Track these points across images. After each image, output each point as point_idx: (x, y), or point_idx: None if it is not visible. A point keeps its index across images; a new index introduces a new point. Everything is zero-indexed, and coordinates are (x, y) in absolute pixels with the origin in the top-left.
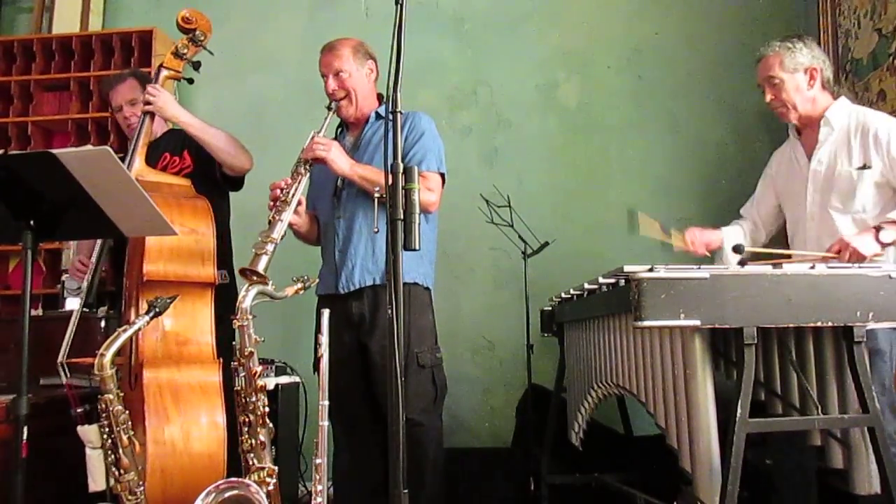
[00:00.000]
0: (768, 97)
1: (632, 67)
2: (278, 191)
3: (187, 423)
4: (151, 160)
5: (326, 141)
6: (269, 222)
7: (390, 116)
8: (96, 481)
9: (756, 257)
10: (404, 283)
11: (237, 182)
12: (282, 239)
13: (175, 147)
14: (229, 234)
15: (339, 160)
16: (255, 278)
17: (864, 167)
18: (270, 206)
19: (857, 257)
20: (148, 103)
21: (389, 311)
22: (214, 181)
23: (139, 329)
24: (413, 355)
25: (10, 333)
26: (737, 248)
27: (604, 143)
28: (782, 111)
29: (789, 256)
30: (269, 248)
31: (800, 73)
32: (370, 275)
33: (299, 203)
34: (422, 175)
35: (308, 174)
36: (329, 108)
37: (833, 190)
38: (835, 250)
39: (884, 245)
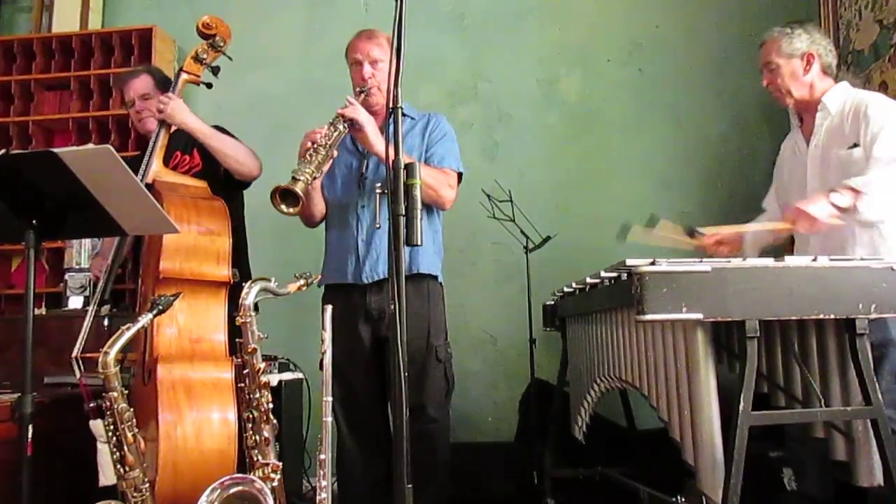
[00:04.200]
0: (765, 81)
1: (633, 61)
2: (317, 136)
3: (199, 419)
4: (164, 158)
5: (366, 112)
6: (301, 163)
7: (404, 113)
8: (107, 476)
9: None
10: (428, 275)
11: (242, 182)
12: (313, 179)
13: (186, 145)
14: (242, 232)
15: (375, 135)
16: (283, 206)
17: (854, 146)
18: (302, 154)
19: (811, 222)
20: (160, 111)
21: (393, 305)
22: (220, 180)
23: (142, 327)
24: (433, 348)
25: (14, 332)
26: (691, 232)
27: (605, 137)
28: (778, 95)
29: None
30: (307, 174)
31: (796, 58)
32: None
33: (329, 158)
34: (444, 171)
35: (346, 133)
36: (362, 92)
37: (830, 173)
38: (790, 220)
39: (838, 208)
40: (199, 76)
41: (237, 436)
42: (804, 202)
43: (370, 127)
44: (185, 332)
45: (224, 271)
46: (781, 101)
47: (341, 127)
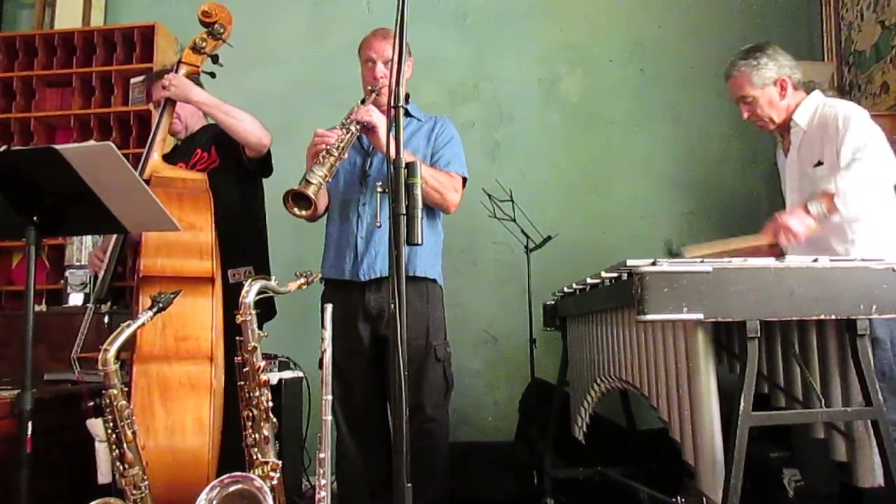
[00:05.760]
0: (745, 115)
1: (634, 61)
2: (329, 139)
3: (172, 419)
4: (185, 156)
5: (378, 112)
6: (313, 165)
7: (412, 114)
8: (104, 474)
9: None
10: (425, 279)
11: (265, 165)
12: (325, 181)
13: (206, 143)
14: (263, 227)
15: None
16: (296, 209)
17: (818, 164)
18: (312, 155)
19: (793, 236)
20: (164, 87)
21: (393, 305)
22: (244, 170)
23: (143, 324)
24: (432, 348)
25: (14, 329)
26: (671, 252)
27: (606, 137)
28: (761, 124)
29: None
30: (319, 177)
31: (770, 86)
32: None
33: (340, 161)
34: (450, 175)
35: (358, 134)
36: (373, 91)
37: (803, 189)
38: (770, 233)
39: (817, 217)
40: (198, 66)
41: (212, 435)
42: (785, 216)
43: (383, 128)
44: (169, 330)
45: (207, 266)
46: (765, 129)
47: (353, 129)
